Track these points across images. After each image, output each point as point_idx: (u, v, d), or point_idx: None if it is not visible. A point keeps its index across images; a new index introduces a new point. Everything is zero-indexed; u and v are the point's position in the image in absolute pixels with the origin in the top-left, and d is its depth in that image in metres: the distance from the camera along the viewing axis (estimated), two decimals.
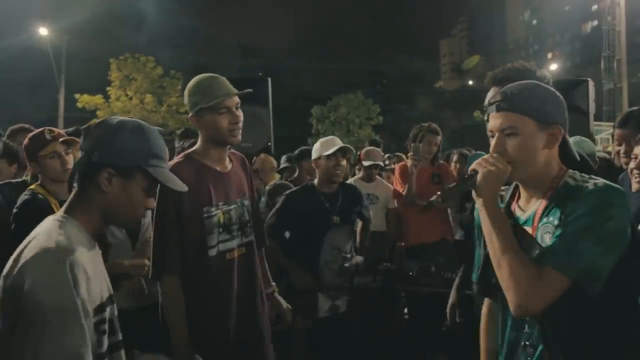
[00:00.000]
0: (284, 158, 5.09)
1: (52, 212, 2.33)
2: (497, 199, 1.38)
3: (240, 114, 2.15)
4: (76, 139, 2.58)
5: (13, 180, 2.82)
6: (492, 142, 1.40)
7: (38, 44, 20.93)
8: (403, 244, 3.55)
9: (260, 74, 28.15)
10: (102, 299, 1.33)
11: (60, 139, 2.44)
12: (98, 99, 22.19)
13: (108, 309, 1.36)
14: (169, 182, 1.41)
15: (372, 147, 4.72)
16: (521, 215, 1.44)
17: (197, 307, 2.06)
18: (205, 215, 2.08)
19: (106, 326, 1.33)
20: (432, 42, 79.79)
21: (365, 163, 4.35)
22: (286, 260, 3.10)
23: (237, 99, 2.14)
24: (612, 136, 4.02)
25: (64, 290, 1.17)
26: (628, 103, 18.09)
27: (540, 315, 1.32)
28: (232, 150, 2.32)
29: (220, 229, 2.12)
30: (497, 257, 1.31)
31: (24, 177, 2.76)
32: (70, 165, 2.43)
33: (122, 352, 1.41)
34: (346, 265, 3.05)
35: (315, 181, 3.20)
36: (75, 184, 1.38)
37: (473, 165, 1.39)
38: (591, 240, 1.24)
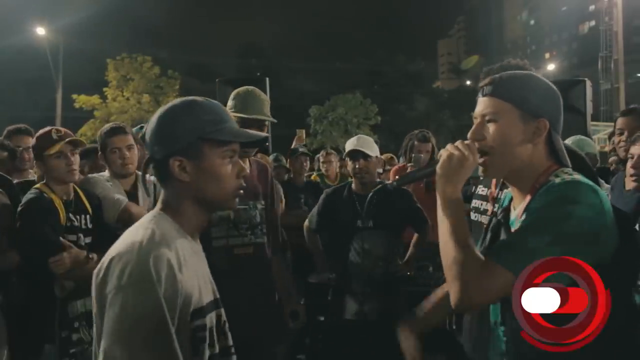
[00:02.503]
0: (271, 157, 5.07)
1: (56, 211, 2.35)
2: (457, 184, 1.27)
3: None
4: (82, 140, 2.59)
5: (16, 180, 2.82)
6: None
7: (35, 44, 20.92)
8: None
9: (258, 73, 28.24)
10: (202, 302, 1.21)
11: (67, 139, 2.42)
12: (95, 99, 22.16)
13: (211, 315, 1.24)
14: (238, 136, 1.28)
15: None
16: (512, 216, 1.37)
17: None
18: None
19: (206, 334, 1.19)
20: (430, 42, 79.92)
21: None
22: (318, 254, 3.22)
23: (253, 122, 2.23)
24: (609, 135, 4.04)
25: (148, 290, 1.06)
26: (625, 103, 18.13)
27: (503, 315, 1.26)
28: (257, 159, 2.50)
29: (230, 224, 2.24)
30: (443, 244, 1.24)
31: (31, 177, 2.77)
32: (76, 166, 2.43)
33: None
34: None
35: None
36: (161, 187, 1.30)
37: (441, 151, 1.32)
38: (546, 237, 1.12)
